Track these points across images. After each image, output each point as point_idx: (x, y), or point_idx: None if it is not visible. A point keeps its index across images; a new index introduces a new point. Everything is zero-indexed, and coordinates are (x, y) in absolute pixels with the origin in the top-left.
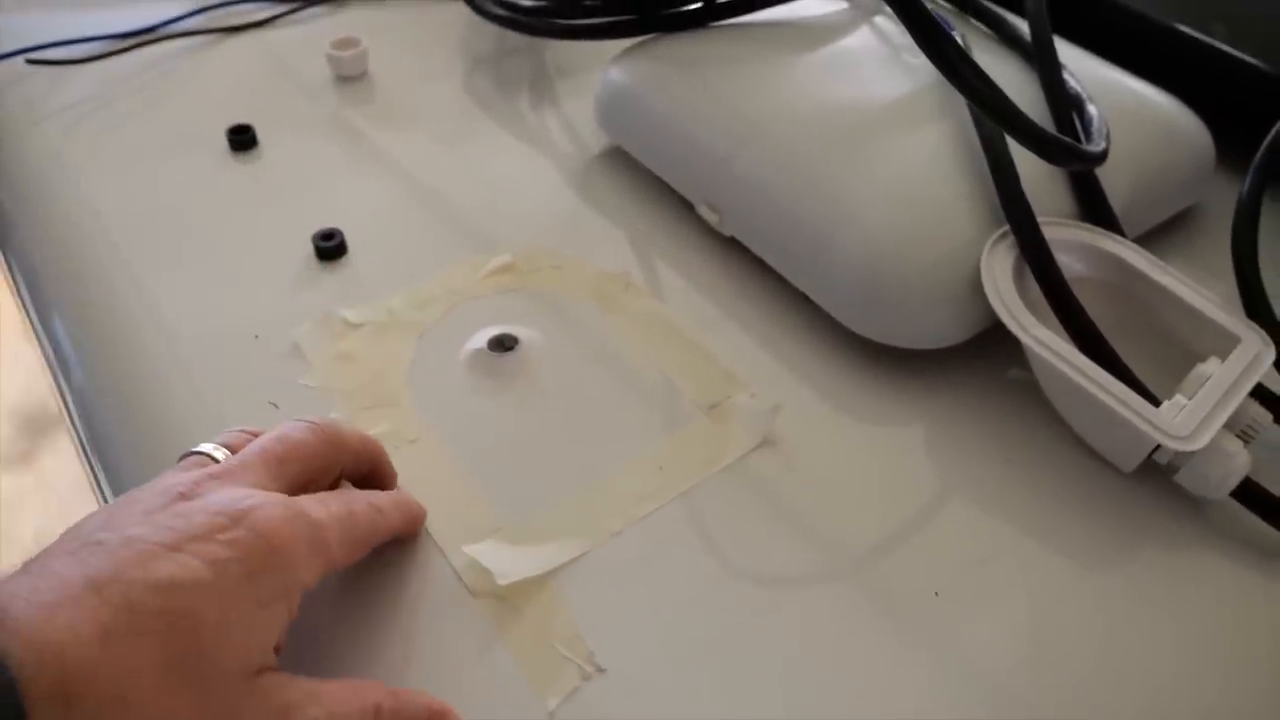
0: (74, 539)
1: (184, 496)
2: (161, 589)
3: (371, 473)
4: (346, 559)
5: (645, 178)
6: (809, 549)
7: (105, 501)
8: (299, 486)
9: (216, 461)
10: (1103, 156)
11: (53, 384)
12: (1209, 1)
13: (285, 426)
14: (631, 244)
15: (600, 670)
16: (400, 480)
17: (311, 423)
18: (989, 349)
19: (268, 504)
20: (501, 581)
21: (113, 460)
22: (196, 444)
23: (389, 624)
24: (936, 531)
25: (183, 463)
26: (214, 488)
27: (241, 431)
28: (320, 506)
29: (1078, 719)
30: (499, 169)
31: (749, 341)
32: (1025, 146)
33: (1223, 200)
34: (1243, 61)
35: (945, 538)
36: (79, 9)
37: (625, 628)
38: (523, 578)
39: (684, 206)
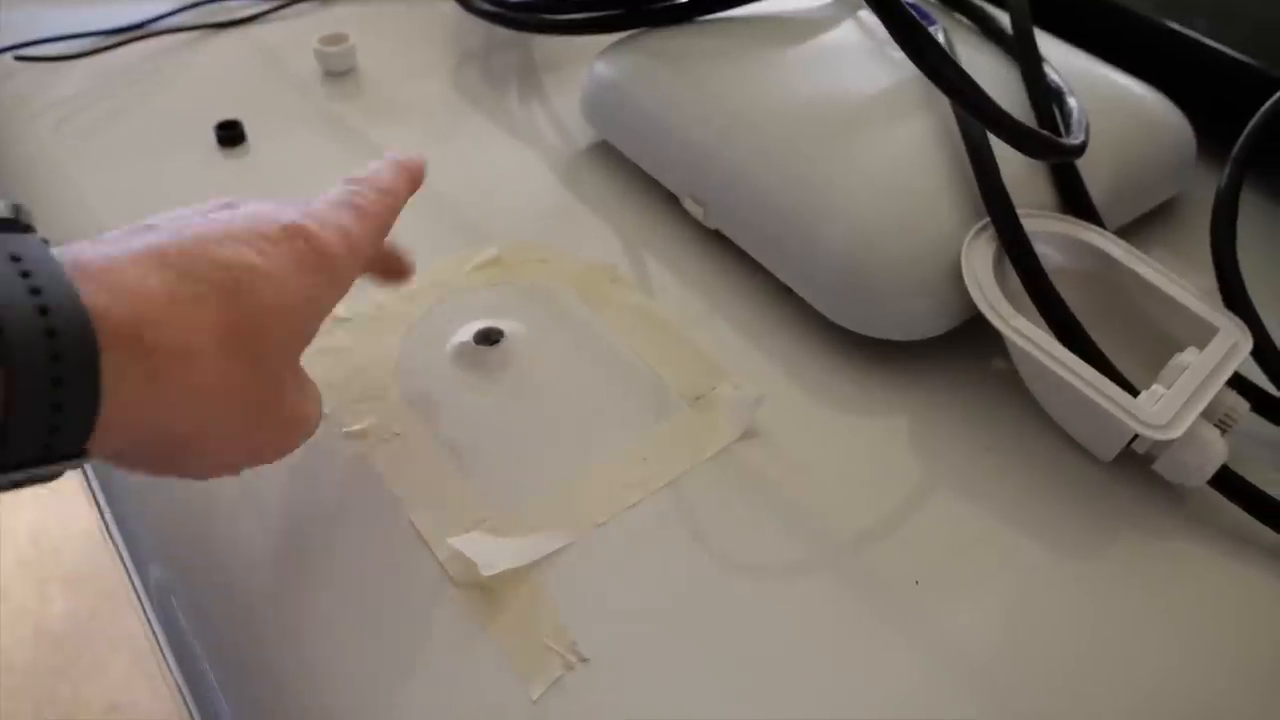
0: (125, 230)
1: (229, 205)
2: (220, 265)
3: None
4: (376, 249)
5: (633, 171)
6: (792, 540)
7: (96, 498)
8: None
9: None
10: (1081, 149)
11: None
12: None
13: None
14: (618, 237)
15: (583, 660)
16: (388, 472)
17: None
18: (971, 340)
19: (302, 215)
20: (486, 572)
21: None
22: None
23: (373, 615)
24: (919, 521)
25: None
26: (252, 203)
27: None
28: (341, 211)
29: (1058, 706)
30: (487, 163)
31: (734, 333)
32: (1002, 140)
33: (1204, 192)
34: (1224, 54)
35: (927, 527)
36: (67, 5)
37: (609, 618)
38: (507, 568)
39: (670, 200)
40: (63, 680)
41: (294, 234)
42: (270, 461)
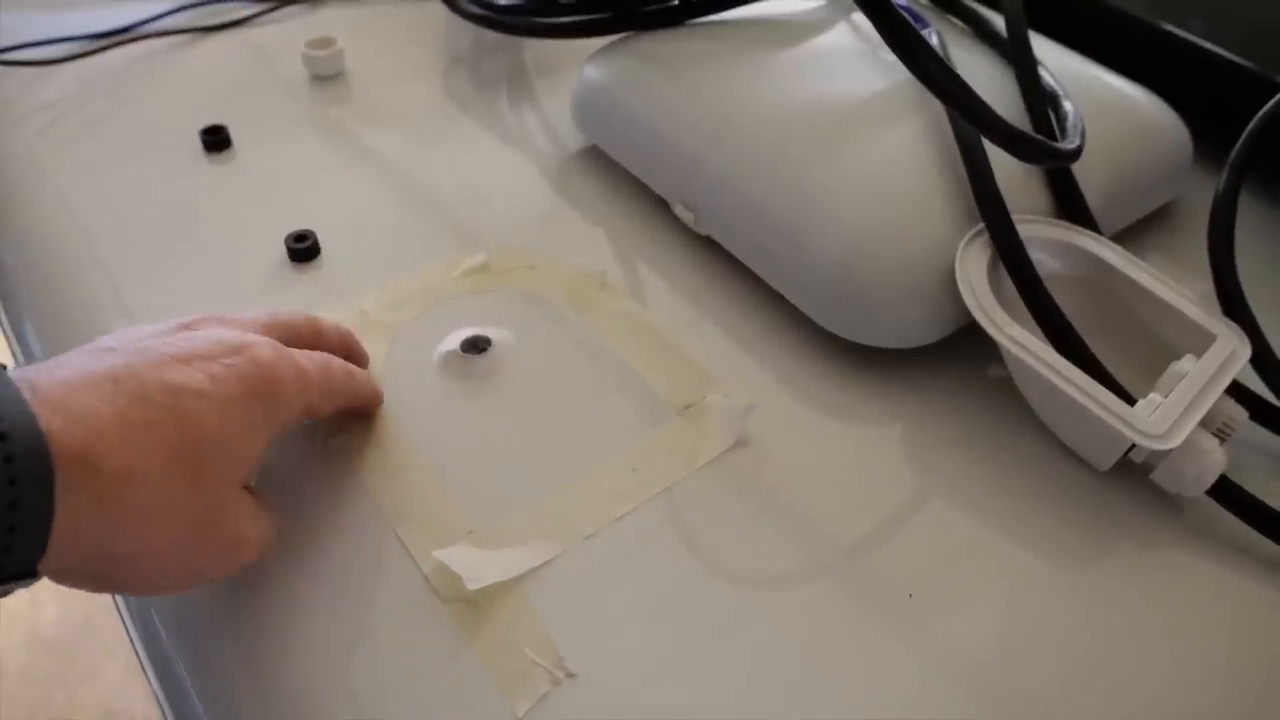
0: (83, 351)
1: (187, 327)
2: (172, 389)
3: (347, 357)
4: (324, 407)
5: (623, 176)
6: (785, 551)
7: None
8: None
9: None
10: (1077, 153)
11: None
12: None
13: (275, 308)
14: (608, 243)
15: (570, 675)
16: (373, 484)
17: (298, 310)
18: (966, 347)
19: (262, 343)
20: (471, 586)
21: None
22: None
23: (356, 629)
24: (913, 531)
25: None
26: (213, 325)
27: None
28: (304, 356)
29: (1053, 716)
30: (476, 168)
31: (725, 341)
32: (996, 144)
33: (1201, 196)
34: (1220, 57)
35: (921, 537)
36: (52, 10)
37: (597, 632)
38: (492, 582)
39: (661, 205)
40: (57, 686)
41: (245, 354)
42: (212, 580)
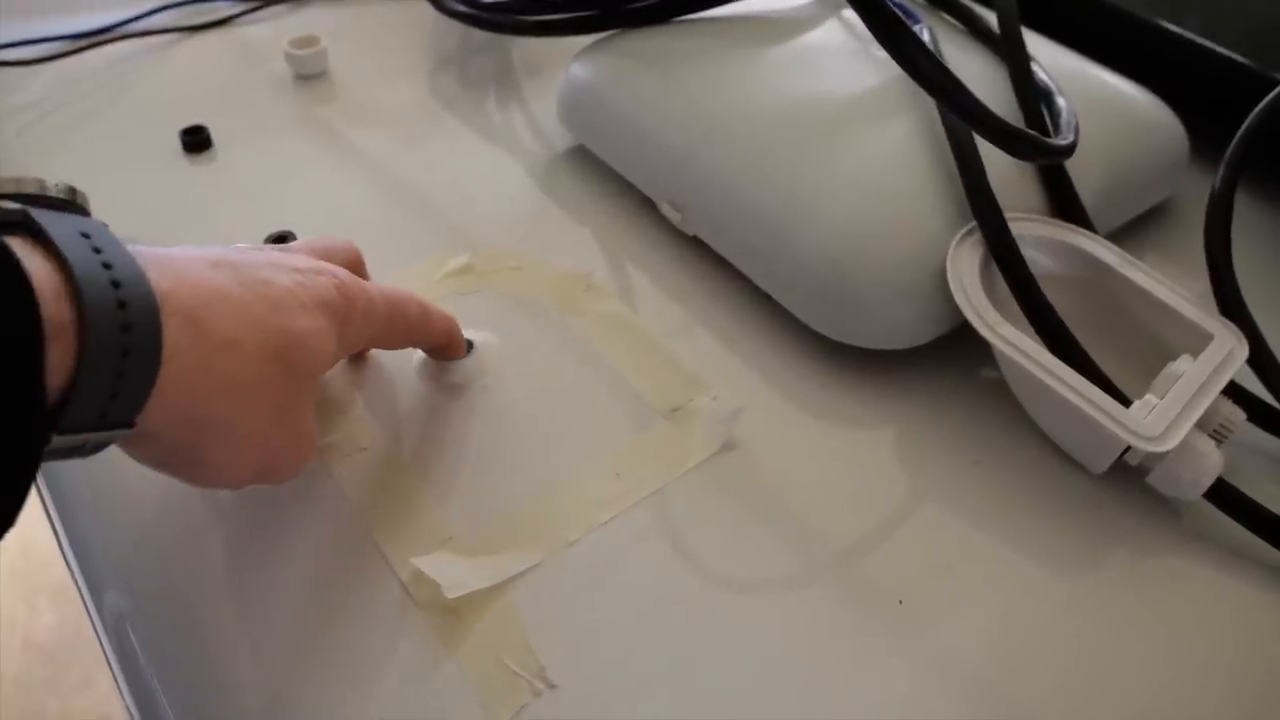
0: (179, 248)
1: (278, 252)
2: (265, 281)
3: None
4: (388, 339)
5: (611, 175)
6: (774, 556)
7: (53, 523)
8: None
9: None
10: (1070, 149)
11: None
12: None
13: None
14: (595, 243)
15: (551, 686)
16: (351, 490)
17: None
18: (959, 347)
19: (340, 270)
20: (450, 594)
21: (66, 479)
22: None
23: (334, 639)
24: (905, 535)
25: None
26: (295, 253)
27: None
28: (378, 291)
29: None
30: (463, 168)
31: (713, 342)
32: (988, 140)
33: (1197, 194)
34: (1217, 54)
35: (913, 541)
36: (32, 10)
37: (580, 641)
38: (472, 590)
39: (648, 204)
40: (51, 693)
41: (326, 274)
42: (277, 479)
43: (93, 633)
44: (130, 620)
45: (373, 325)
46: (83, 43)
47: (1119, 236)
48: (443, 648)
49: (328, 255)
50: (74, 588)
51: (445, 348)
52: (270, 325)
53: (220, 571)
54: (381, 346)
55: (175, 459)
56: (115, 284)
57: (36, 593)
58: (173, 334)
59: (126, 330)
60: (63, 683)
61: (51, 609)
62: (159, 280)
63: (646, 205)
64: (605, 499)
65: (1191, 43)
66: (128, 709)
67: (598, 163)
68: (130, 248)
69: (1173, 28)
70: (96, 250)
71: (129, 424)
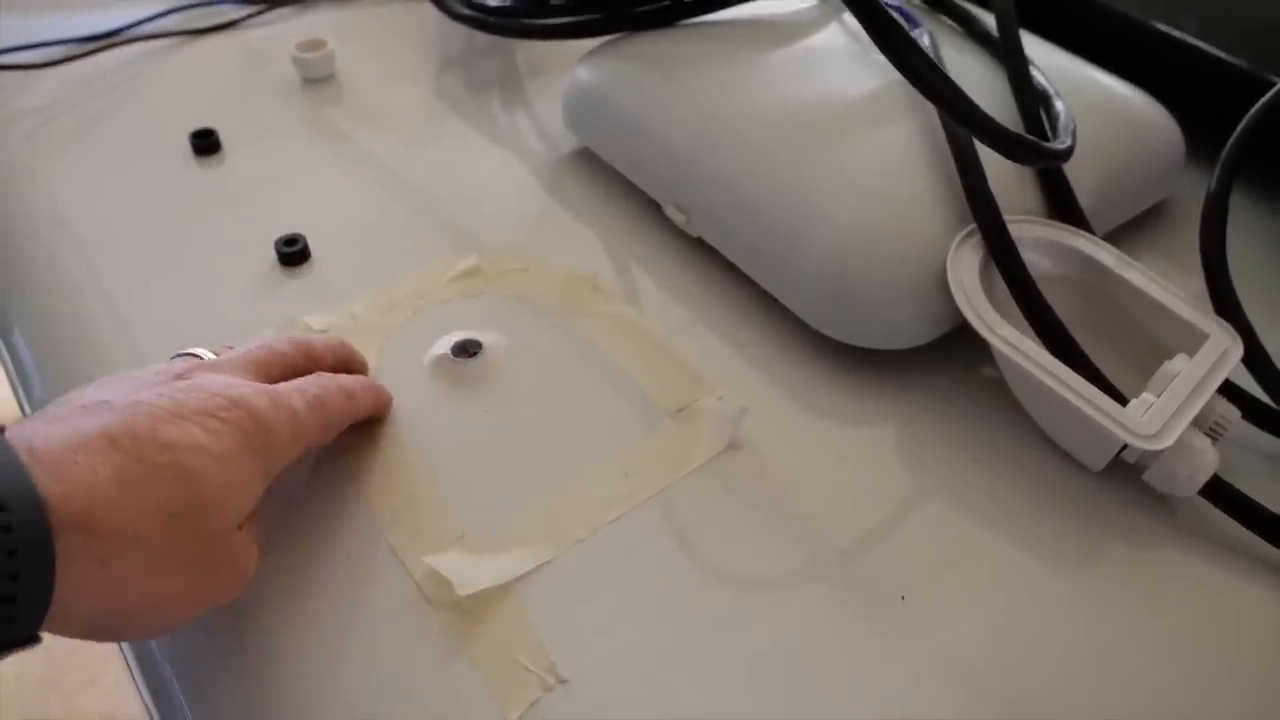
0: (75, 402)
1: (180, 376)
2: (169, 447)
3: (344, 369)
4: (322, 440)
5: (615, 178)
6: (779, 553)
7: None
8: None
9: (197, 355)
10: (1068, 153)
11: (14, 398)
12: None
13: (265, 339)
14: (601, 245)
15: (562, 681)
16: (364, 489)
17: (289, 336)
18: (960, 347)
19: (255, 393)
20: (461, 592)
21: None
22: None
23: (347, 635)
24: (906, 532)
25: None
26: (206, 374)
27: (222, 347)
28: (299, 397)
29: (1048, 717)
30: (469, 170)
31: (718, 343)
32: (987, 144)
33: (1194, 194)
34: (1213, 56)
35: (915, 538)
36: (41, 13)
37: (589, 637)
38: (483, 587)
39: (653, 207)
40: (54, 691)
41: (242, 408)
42: (213, 607)
43: None
44: None
45: (302, 443)
46: (91, 46)
47: (1117, 237)
48: (455, 644)
49: (266, 368)
50: None
51: (373, 415)
52: (174, 501)
53: None
54: (314, 450)
55: (104, 637)
56: (1, 506)
57: None
58: (65, 545)
59: (13, 555)
60: (65, 681)
61: None
62: (49, 486)
63: (652, 207)
64: (614, 497)
65: (1187, 44)
66: (144, 703)
67: (603, 165)
68: (22, 437)
69: (1169, 30)
70: None
71: (32, 640)
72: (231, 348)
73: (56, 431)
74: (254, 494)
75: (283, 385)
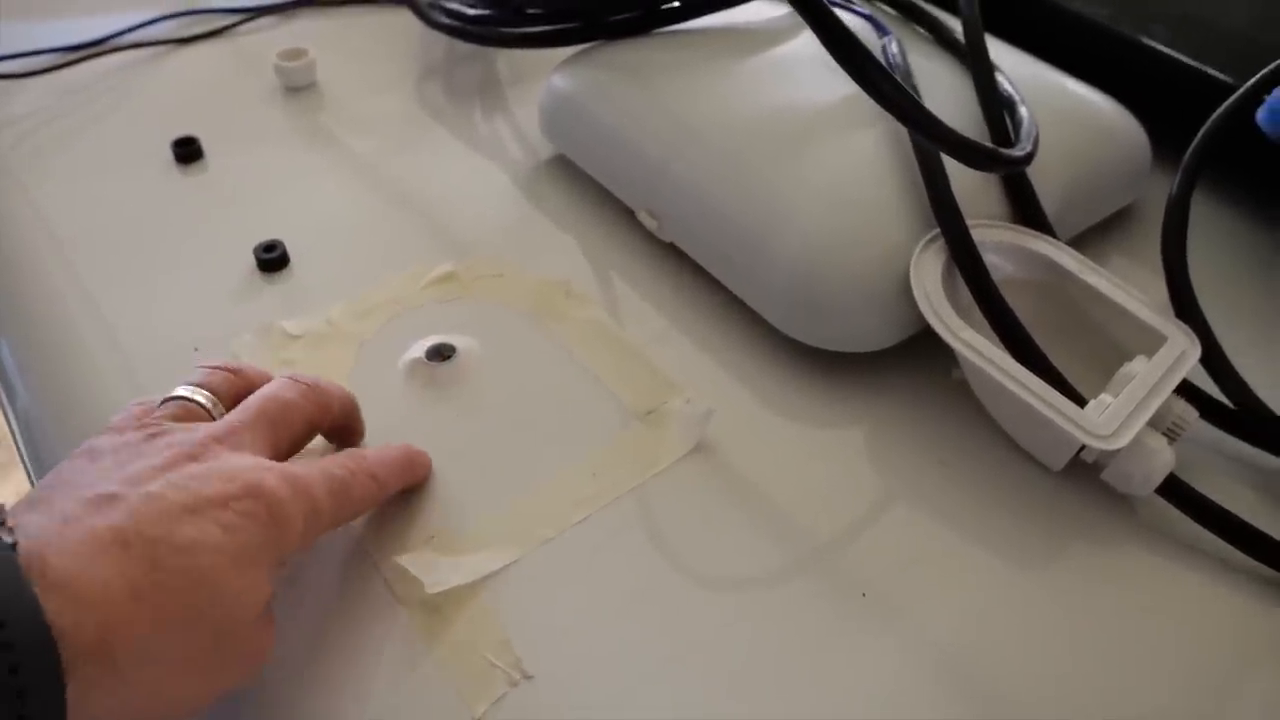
0: (83, 486)
1: (193, 458)
2: (184, 550)
3: (345, 426)
4: (338, 524)
5: (592, 184)
6: (745, 554)
7: None
8: (291, 446)
9: (198, 404)
10: (1027, 159)
11: None
12: (1146, 2)
13: (276, 385)
14: (578, 250)
15: (528, 677)
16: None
17: (298, 382)
18: (927, 349)
19: (274, 478)
20: (430, 590)
21: None
22: None
23: (317, 632)
24: (874, 533)
25: (165, 407)
26: (219, 452)
27: (213, 369)
28: (322, 483)
29: (1008, 716)
30: (448, 177)
31: (690, 347)
32: (945, 153)
33: (1161, 199)
34: (1179, 62)
35: (883, 538)
36: (23, 22)
37: (555, 634)
38: (452, 586)
39: (627, 213)
40: None
41: (260, 498)
42: (233, 690)
43: None
44: None
45: (315, 533)
46: (75, 55)
47: (1084, 241)
48: (423, 642)
49: (279, 429)
50: None
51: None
52: (192, 606)
53: None
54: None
55: None
56: (6, 646)
57: None
58: (80, 669)
59: (21, 697)
60: None
61: None
62: (59, 612)
63: (626, 214)
64: (581, 499)
65: (1154, 51)
66: None
67: (579, 171)
68: (28, 547)
69: (1136, 36)
70: None
71: None
72: (225, 369)
73: (69, 534)
74: (267, 585)
75: (307, 468)
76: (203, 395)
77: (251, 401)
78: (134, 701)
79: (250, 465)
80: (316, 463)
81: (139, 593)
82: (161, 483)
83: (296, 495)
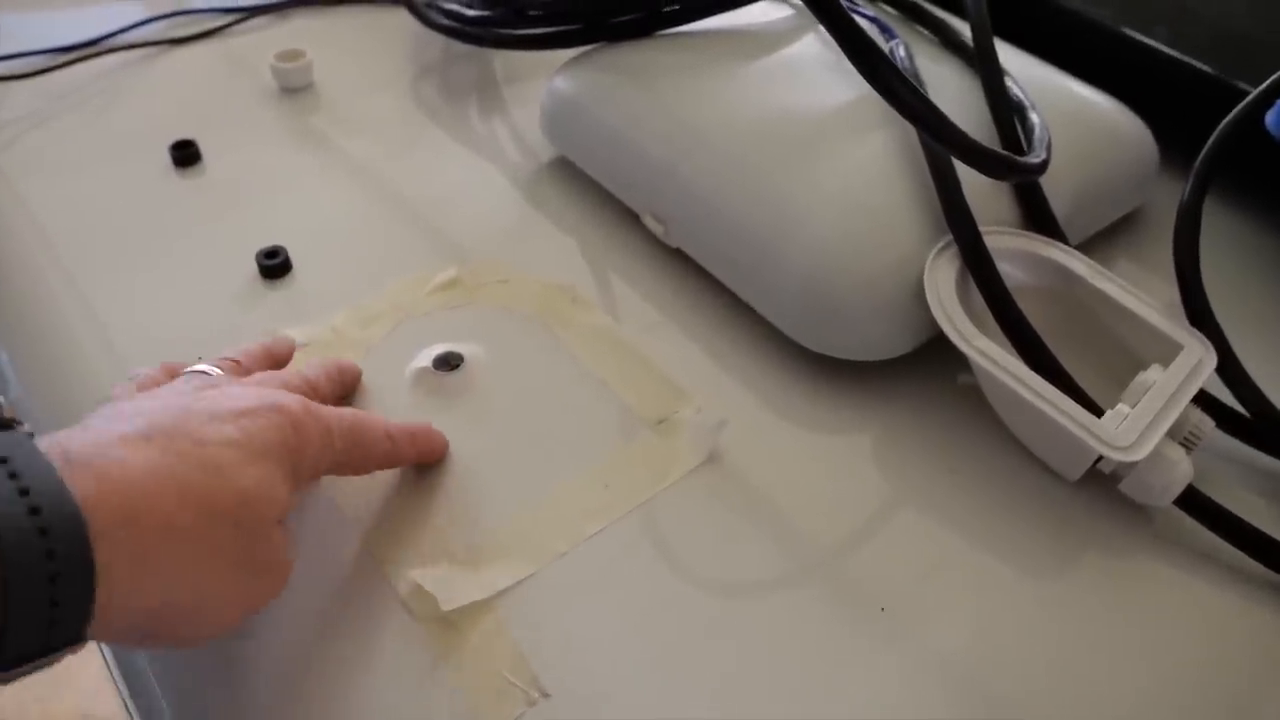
0: (112, 414)
1: (212, 387)
2: (202, 441)
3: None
4: (351, 466)
5: (594, 187)
6: (757, 564)
7: None
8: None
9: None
10: (1042, 167)
11: None
12: (1152, 4)
13: (305, 367)
14: (580, 255)
15: (545, 695)
16: (347, 505)
17: (324, 364)
18: (937, 358)
19: (292, 400)
20: (446, 607)
21: None
22: None
23: (331, 649)
24: (884, 541)
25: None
26: (236, 385)
27: (224, 359)
28: (336, 416)
29: None
30: (448, 179)
31: (697, 353)
32: (962, 161)
33: (1169, 201)
34: (1186, 64)
35: (893, 548)
36: (17, 23)
37: (572, 650)
38: (467, 602)
39: (632, 216)
40: (30, 692)
41: (277, 410)
42: (259, 609)
43: None
44: None
45: (329, 456)
46: (69, 56)
47: (1093, 244)
48: (439, 659)
49: (325, 380)
50: None
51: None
52: (212, 492)
53: None
54: (345, 473)
55: (150, 640)
56: (33, 510)
57: None
58: (105, 544)
59: (51, 558)
60: (43, 680)
61: None
62: (84, 487)
63: (630, 217)
64: (594, 510)
65: (1161, 53)
66: (124, 704)
67: (581, 174)
68: (56, 444)
69: (1143, 38)
70: (13, 475)
71: (78, 639)
72: (238, 361)
73: (89, 435)
74: (279, 499)
75: (325, 405)
76: (211, 368)
77: (275, 374)
78: (160, 581)
79: (266, 390)
80: (334, 407)
81: (159, 473)
82: (183, 399)
83: (313, 417)
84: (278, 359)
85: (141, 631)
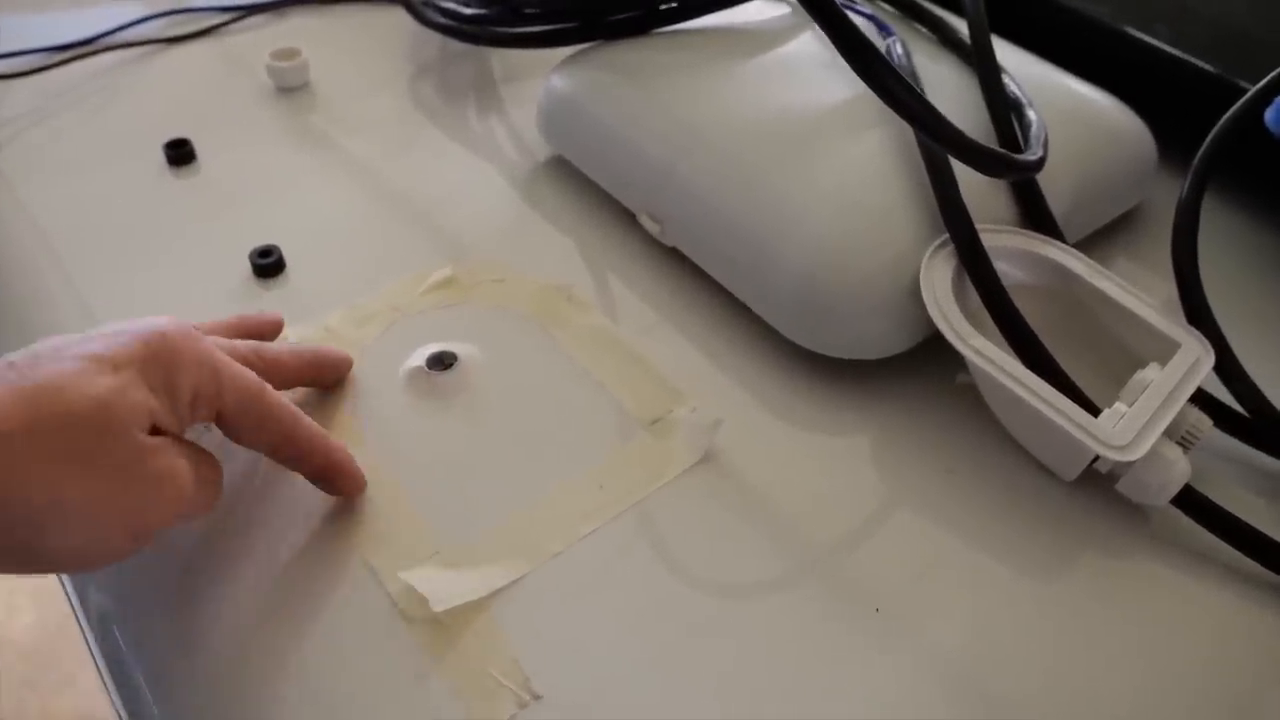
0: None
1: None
2: (60, 359)
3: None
4: (244, 431)
5: (591, 186)
6: (753, 564)
7: None
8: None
9: None
10: (1039, 164)
11: None
12: (1150, 2)
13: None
14: (576, 254)
15: (537, 697)
16: (338, 504)
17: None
18: (934, 357)
19: (170, 322)
20: (437, 608)
21: None
22: None
23: (322, 651)
24: (882, 542)
25: None
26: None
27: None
28: (234, 367)
29: None
30: (444, 178)
31: (693, 353)
32: (958, 159)
33: (1167, 199)
34: (1184, 61)
35: (890, 548)
36: (11, 21)
37: (564, 652)
38: (459, 603)
39: (628, 216)
40: (31, 692)
41: (147, 327)
42: (151, 525)
43: (78, 631)
44: (116, 621)
45: (212, 388)
46: (65, 55)
47: (1091, 242)
48: (430, 660)
49: (289, 356)
50: (55, 585)
51: (326, 478)
52: (52, 399)
53: (207, 582)
54: (238, 434)
55: (27, 562)
56: None
57: (15, 592)
58: None
59: None
60: (43, 681)
61: (31, 607)
62: None
63: (627, 216)
64: (588, 510)
65: (1160, 50)
66: (117, 711)
67: (578, 173)
68: None
69: (1141, 35)
70: None
71: None
72: (196, 326)
73: None
74: (138, 402)
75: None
76: None
77: (223, 340)
78: (30, 508)
79: (144, 328)
80: (241, 366)
81: (6, 394)
82: (78, 336)
83: (191, 340)
84: (250, 328)
85: (9, 549)
